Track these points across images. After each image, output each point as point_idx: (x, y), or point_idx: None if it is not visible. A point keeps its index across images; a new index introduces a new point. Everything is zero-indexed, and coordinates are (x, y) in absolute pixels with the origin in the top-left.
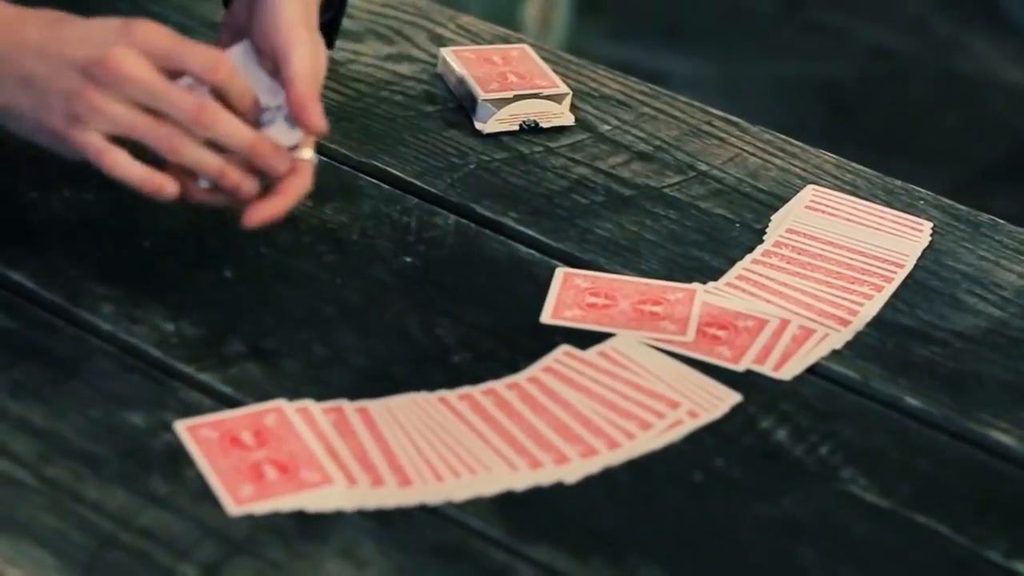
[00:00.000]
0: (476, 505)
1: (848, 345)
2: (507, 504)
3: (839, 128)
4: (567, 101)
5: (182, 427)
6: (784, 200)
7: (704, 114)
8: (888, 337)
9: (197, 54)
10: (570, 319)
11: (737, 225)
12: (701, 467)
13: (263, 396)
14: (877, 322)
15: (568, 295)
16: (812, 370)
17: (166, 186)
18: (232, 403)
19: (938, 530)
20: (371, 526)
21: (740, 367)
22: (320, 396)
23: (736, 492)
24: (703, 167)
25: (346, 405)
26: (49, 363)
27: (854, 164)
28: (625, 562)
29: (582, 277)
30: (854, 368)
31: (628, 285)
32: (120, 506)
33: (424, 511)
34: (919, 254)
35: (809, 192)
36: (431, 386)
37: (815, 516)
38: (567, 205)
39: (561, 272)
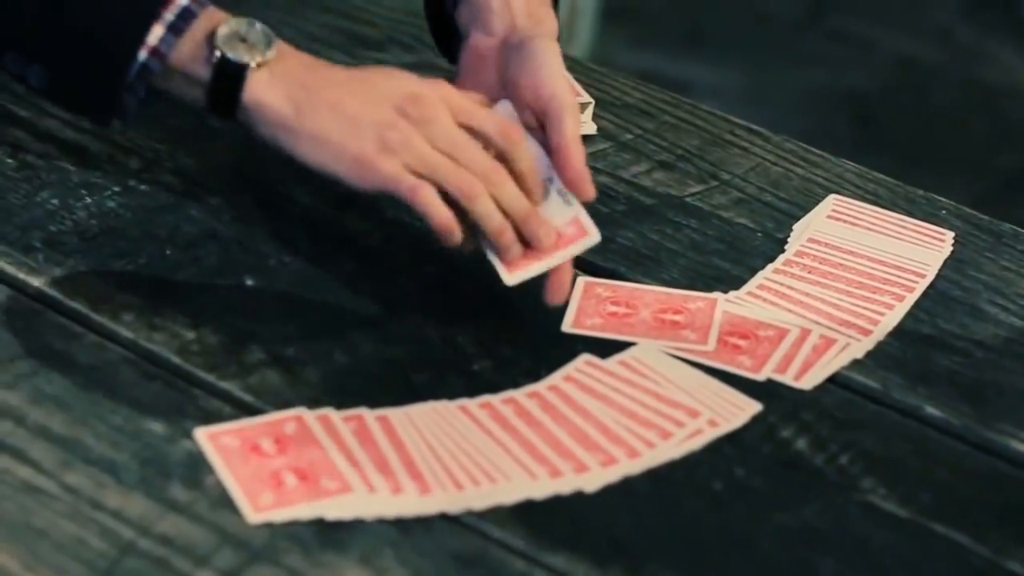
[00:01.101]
0: (496, 514)
1: (869, 355)
2: (527, 513)
3: (863, 137)
4: (589, 110)
5: (202, 435)
6: (806, 209)
7: (726, 123)
8: (909, 347)
9: (492, 116)
10: (591, 328)
11: (758, 234)
12: (721, 476)
13: (283, 404)
14: (898, 332)
15: (589, 304)
16: (833, 380)
17: (457, 233)
18: (252, 411)
19: (958, 540)
20: (391, 534)
21: (761, 376)
22: (340, 404)
23: (756, 501)
24: (725, 176)
25: (366, 413)
26: (70, 371)
27: (876, 173)
28: (644, 571)
29: (603, 286)
30: (875, 378)
31: (649, 294)
32: (140, 513)
33: (444, 519)
34: (941, 264)
35: (831, 201)
36: (451, 394)
37: (835, 526)
38: (588, 213)
39: (582, 281)
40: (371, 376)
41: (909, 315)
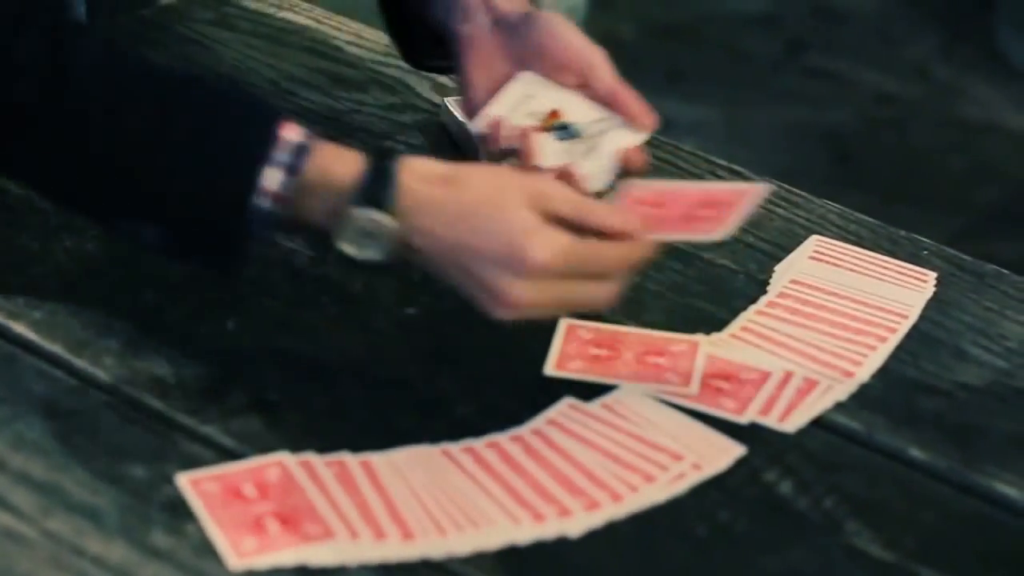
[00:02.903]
0: (479, 559)
1: (852, 397)
2: (510, 558)
3: (842, 173)
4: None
5: (184, 480)
6: (788, 250)
7: (707, 164)
8: (893, 389)
9: (602, 211)
10: (574, 371)
11: (740, 276)
12: (705, 520)
13: (265, 448)
14: (882, 373)
15: (572, 347)
16: (816, 422)
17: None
18: (234, 456)
19: None
20: None
21: (744, 419)
22: (322, 448)
23: (740, 546)
24: None
25: (348, 458)
26: (50, 415)
27: (857, 214)
28: None
29: (585, 328)
30: (859, 420)
31: (631, 336)
32: (121, 560)
33: (427, 566)
34: (923, 305)
35: (813, 242)
36: (434, 438)
37: (820, 570)
38: None
39: (564, 323)
40: (353, 420)
41: (892, 357)
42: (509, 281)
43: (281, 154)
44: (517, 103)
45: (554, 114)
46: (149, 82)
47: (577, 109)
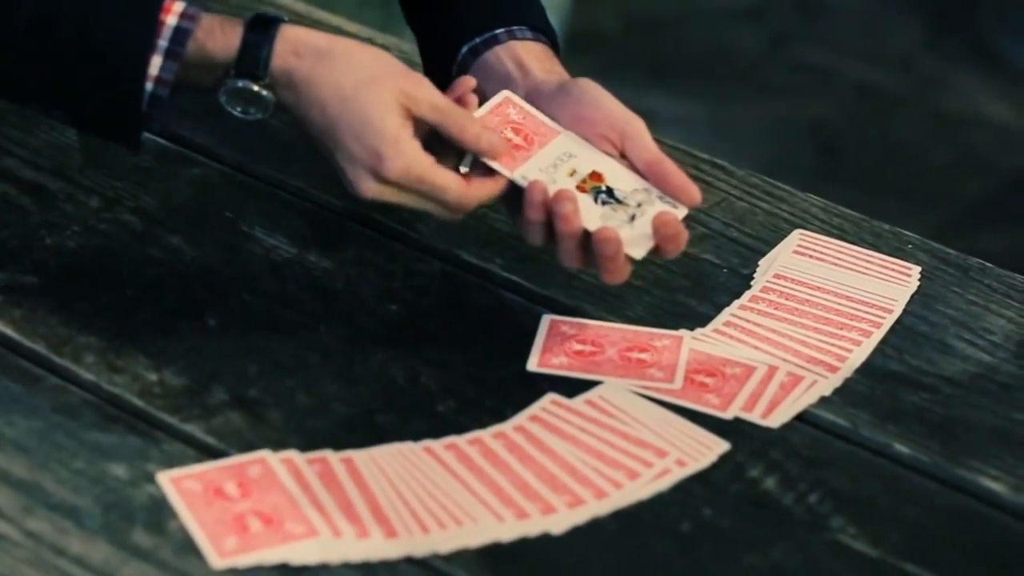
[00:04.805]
0: (462, 557)
1: (837, 392)
2: (494, 555)
3: (827, 166)
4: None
5: (165, 478)
6: (771, 245)
7: (691, 158)
8: (877, 383)
9: (463, 122)
10: (557, 367)
11: (724, 270)
12: (689, 517)
13: (247, 446)
14: (866, 368)
15: (554, 342)
16: (801, 417)
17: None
18: (216, 454)
19: None
20: None
21: (728, 415)
22: (304, 446)
23: (725, 542)
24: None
25: (331, 455)
26: (31, 414)
27: (841, 208)
28: None
29: (568, 324)
30: (843, 415)
31: (615, 332)
32: (103, 559)
33: (410, 563)
34: (908, 299)
35: (796, 237)
36: (416, 435)
37: (805, 566)
38: (553, 251)
39: (547, 319)
40: (335, 417)
41: (877, 351)
42: (364, 176)
43: (162, 40)
44: (557, 160)
45: (596, 176)
46: None
47: (619, 174)
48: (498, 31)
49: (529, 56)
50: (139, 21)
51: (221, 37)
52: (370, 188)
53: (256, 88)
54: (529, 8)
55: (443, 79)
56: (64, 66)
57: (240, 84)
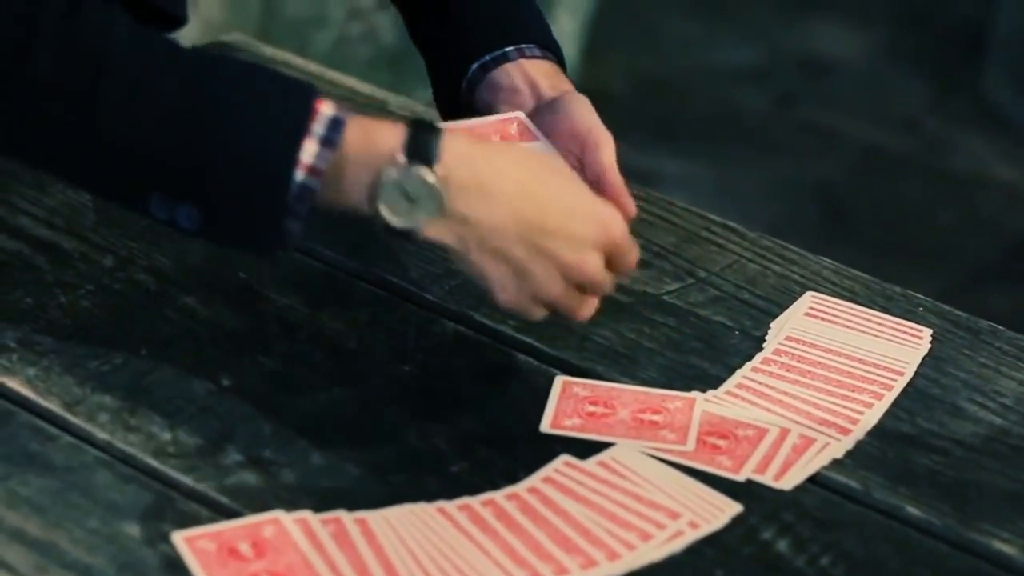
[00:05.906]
0: None
1: (849, 454)
2: None
3: (832, 227)
4: None
5: (179, 538)
6: (783, 307)
7: (701, 219)
8: (889, 446)
9: (634, 252)
10: (569, 428)
11: (736, 332)
12: None
13: (261, 506)
14: (878, 431)
15: (567, 404)
16: (813, 479)
17: None
18: (230, 513)
19: None
20: None
21: (740, 477)
22: (318, 506)
23: None
24: (702, 274)
25: (344, 516)
26: (45, 473)
27: (852, 270)
28: None
29: (581, 385)
30: (855, 477)
31: (627, 393)
32: None
33: None
34: (919, 361)
35: (808, 299)
36: (429, 496)
37: None
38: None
39: (560, 380)
40: (348, 478)
41: (888, 414)
42: (591, 254)
43: (318, 127)
44: None
45: None
46: (181, 57)
47: None
48: (508, 48)
49: (538, 73)
50: (292, 104)
51: (380, 128)
52: (594, 267)
53: (425, 172)
54: (536, 26)
55: (451, 96)
56: (203, 157)
57: (406, 169)
